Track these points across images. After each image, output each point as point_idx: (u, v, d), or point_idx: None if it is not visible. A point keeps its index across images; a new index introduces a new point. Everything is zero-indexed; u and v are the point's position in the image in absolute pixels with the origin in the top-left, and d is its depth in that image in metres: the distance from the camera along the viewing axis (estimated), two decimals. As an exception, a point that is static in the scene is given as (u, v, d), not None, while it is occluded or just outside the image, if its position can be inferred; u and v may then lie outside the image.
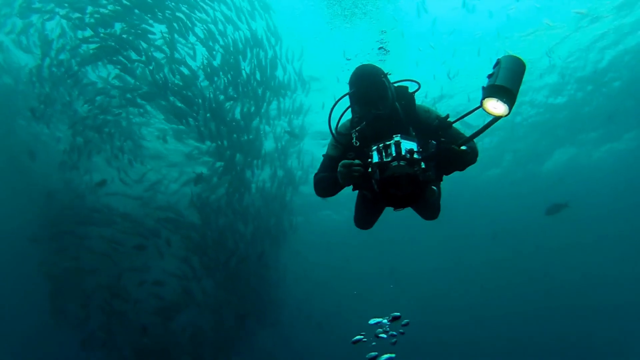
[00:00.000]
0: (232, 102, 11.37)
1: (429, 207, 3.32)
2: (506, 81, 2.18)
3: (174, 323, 13.44)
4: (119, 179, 12.72)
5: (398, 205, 2.62)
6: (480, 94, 2.27)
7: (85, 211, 12.75)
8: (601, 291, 28.79)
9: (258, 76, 11.14)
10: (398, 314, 6.16)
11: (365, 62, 3.13)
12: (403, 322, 6.06)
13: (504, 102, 2.17)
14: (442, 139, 2.54)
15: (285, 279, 16.91)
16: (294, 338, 22.20)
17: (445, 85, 13.51)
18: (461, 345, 28.65)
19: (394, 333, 6.17)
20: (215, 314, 13.79)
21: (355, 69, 3.00)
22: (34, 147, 13.39)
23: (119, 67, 10.26)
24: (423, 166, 2.34)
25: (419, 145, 2.41)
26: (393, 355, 4.67)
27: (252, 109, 11.86)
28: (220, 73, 10.64)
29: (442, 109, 3.19)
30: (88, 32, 9.82)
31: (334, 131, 3.01)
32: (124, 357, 12.87)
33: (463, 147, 2.49)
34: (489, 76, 2.29)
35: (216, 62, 10.56)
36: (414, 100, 3.06)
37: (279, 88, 12.01)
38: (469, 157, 2.57)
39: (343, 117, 3.08)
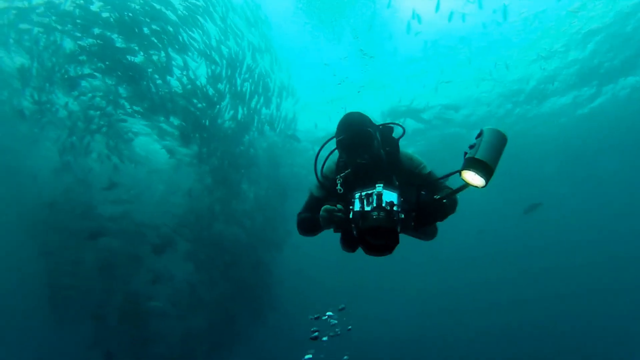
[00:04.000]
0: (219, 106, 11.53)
1: (426, 236, 3.34)
2: (486, 156, 2.26)
3: (167, 323, 13.53)
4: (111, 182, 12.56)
5: (374, 252, 2.62)
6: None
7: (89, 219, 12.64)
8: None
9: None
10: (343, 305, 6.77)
11: (352, 110, 3.19)
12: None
13: (481, 176, 2.25)
14: (423, 192, 2.60)
15: (281, 280, 17.04)
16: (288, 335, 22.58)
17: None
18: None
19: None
20: (210, 314, 13.86)
21: (343, 117, 3.08)
22: (28, 151, 13.30)
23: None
24: (402, 217, 2.39)
25: (400, 195, 2.45)
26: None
27: (240, 114, 12.09)
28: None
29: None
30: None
31: (319, 173, 3.12)
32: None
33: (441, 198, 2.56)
34: (471, 147, 2.36)
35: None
36: (398, 147, 3.12)
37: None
38: (448, 210, 2.65)
39: (329, 159, 3.21)
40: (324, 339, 6.89)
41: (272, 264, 15.50)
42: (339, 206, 2.64)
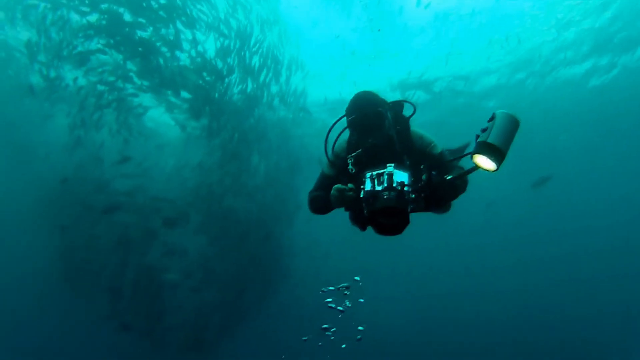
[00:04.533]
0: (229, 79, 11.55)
1: (439, 210, 3.36)
2: (498, 140, 2.26)
3: (181, 295, 13.82)
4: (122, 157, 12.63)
5: (384, 232, 2.70)
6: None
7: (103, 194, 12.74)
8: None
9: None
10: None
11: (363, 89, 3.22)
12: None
13: (493, 161, 2.27)
14: (433, 172, 2.61)
15: (291, 252, 17.22)
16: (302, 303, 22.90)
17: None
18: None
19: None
20: (219, 289, 14.12)
21: (354, 96, 3.10)
22: (39, 127, 13.36)
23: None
24: (413, 197, 2.45)
25: (411, 175, 2.50)
26: None
27: (250, 87, 12.09)
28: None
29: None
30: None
31: (329, 151, 3.16)
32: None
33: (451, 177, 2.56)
34: (483, 130, 2.36)
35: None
36: (409, 125, 3.11)
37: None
38: (459, 190, 2.68)
39: (340, 138, 3.22)
40: (340, 308, 7.04)
41: (283, 237, 15.63)
42: (350, 185, 2.67)
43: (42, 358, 19.44)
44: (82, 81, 11.40)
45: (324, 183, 3.19)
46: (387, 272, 28.15)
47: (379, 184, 2.45)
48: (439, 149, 3.08)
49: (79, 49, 10.61)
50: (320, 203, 3.14)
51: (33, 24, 10.65)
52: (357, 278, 8.15)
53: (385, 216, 2.48)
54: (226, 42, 11.01)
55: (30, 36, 10.95)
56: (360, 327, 7.52)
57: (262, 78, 12.13)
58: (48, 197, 13.10)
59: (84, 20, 10.01)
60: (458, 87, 16.51)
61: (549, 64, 15.48)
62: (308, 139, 14.85)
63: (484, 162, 2.30)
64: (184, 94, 11.35)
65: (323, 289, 7.33)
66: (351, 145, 3.06)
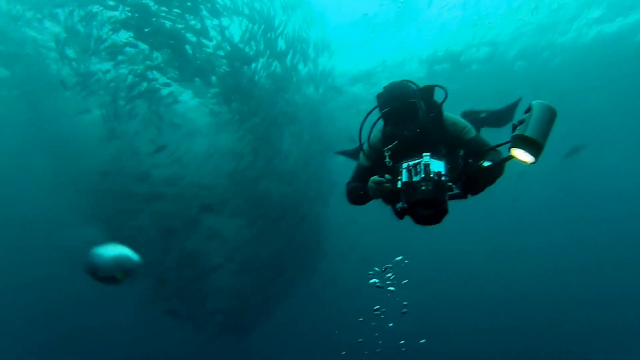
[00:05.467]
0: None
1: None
2: (535, 133, 2.25)
3: (223, 278, 14.18)
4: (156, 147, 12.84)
5: (422, 222, 2.70)
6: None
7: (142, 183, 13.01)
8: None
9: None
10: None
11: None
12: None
13: (531, 154, 2.27)
14: (470, 160, 2.68)
15: (327, 231, 17.31)
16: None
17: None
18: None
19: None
20: (259, 272, 14.39)
21: (386, 88, 3.13)
22: (73, 122, 13.67)
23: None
24: (450, 185, 2.46)
25: (447, 163, 2.51)
26: None
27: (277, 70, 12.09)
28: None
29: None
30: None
31: (365, 143, 3.24)
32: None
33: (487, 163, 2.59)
34: (520, 122, 2.36)
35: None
36: (441, 112, 3.12)
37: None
38: (496, 175, 2.69)
39: (375, 129, 3.26)
40: (391, 288, 7.11)
41: (319, 217, 15.78)
42: (387, 177, 2.70)
43: (90, 340, 20.37)
44: (112, 73, 11.55)
45: (361, 174, 3.25)
46: (427, 251, 27.81)
47: (415, 175, 2.45)
48: (473, 133, 3.10)
49: (108, 42, 10.71)
50: (358, 194, 3.17)
51: (61, 21, 10.82)
52: (399, 258, 8.15)
53: (424, 207, 2.49)
54: (250, 25, 10.96)
55: (59, 31, 11.10)
56: (404, 303, 7.55)
57: (288, 60, 12.07)
58: (88, 190, 13.43)
59: (112, 14, 10.08)
60: (485, 55, 16.05)
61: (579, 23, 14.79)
62: (338, 113, 14.81)
63: (522, 155, 2.30)
64: (213, 80, 11.36)
65: (370, 272, 7.39)
66: (386, 137, 3.06)
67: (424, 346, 12.66)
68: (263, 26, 11.12)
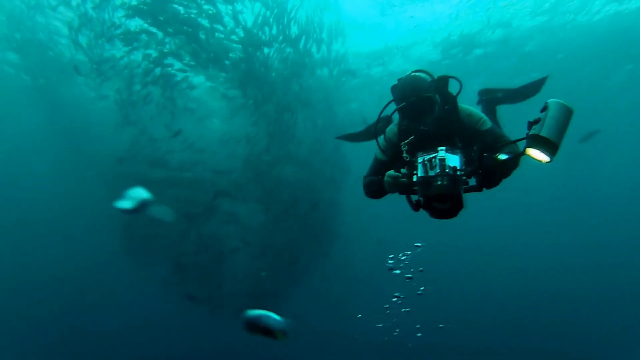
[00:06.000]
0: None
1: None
2: (551, 133, 2.28)
3: (240, 262, 14.34)
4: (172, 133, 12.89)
5: (438, 216, 2.71)
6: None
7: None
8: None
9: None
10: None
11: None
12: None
13: (547, 154, 2.30)
14: (485, 154, 2.64)
15: (341, 215, 17.32)
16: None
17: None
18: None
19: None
20: (275, 255, 14.49)
21: (401, 82, 3.11)
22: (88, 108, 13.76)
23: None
24: (465, 178, 2.47)
25: (463, 156, 2.51)
26: None
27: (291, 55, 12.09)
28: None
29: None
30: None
31: (380, 140, 3.24)
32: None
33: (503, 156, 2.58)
34: (535, 121, 2.39)
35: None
36: (456, 104, 3.08)
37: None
38: (511, 168, 2.70)
39: (391, 123, 3.29)
40: (408, 275, 7.14)
41: (333, 201, 15.83)
42: (403, 171, 2.71)
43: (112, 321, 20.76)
44: (127, 60, 11.57)
45: (378, 168, 3.27)
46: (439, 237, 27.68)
47: (431, 169, 2.46)
48: (489, 124, 3.06)
49: (122, 29, 10.70)
50: (375, 187, 3.18)
51: (74, 7, 10.84)
52: (418, 244, 8.16)
53: (440, 201, 2.53)
54: (263, 10, 10.88)
55: (72, 17, 11.11)
56: (421, 288, 7.59)
57: (302, 45, 12.01)
58: (106, 175, 13.57)
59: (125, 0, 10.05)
60: (500, 38, 15.68)
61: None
62: (351, 93, 14.66)
63: (538, 154, 2.32)
64: (227, 64, 11.31)
65: (389, 261, 7.42)
66: (402, 130, 3.07)
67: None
68: (276, 10, 11.01)
